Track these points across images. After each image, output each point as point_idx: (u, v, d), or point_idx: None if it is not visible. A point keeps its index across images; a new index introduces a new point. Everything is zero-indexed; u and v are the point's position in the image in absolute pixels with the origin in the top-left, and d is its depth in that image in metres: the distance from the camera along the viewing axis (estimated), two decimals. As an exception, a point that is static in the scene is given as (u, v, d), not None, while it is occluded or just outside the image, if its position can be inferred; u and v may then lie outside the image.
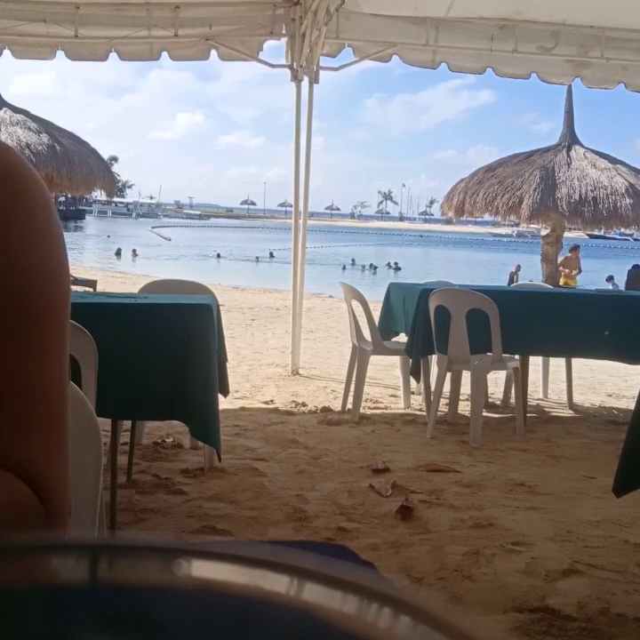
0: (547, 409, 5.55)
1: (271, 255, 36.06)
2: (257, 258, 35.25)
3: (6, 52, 6.23)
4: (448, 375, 4.77)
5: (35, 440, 0.67)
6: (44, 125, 9.05)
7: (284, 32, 6.21)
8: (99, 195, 10.96)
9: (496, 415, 5.24)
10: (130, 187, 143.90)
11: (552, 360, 5.82)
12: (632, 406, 2.42)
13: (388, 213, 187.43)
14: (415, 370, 4.73)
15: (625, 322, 4.87)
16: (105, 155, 11.75)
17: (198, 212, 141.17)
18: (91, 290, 8.22)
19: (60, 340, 0.70)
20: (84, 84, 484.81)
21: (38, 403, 0.67)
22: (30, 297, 0.67)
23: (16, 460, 0.65)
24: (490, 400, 5.56)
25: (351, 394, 5.04)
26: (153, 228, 69.41)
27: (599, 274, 21.93)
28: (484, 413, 4.81)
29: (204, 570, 0.25)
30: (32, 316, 0.67)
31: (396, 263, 32.45)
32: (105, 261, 28.44)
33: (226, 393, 3.76)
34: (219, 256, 36.46)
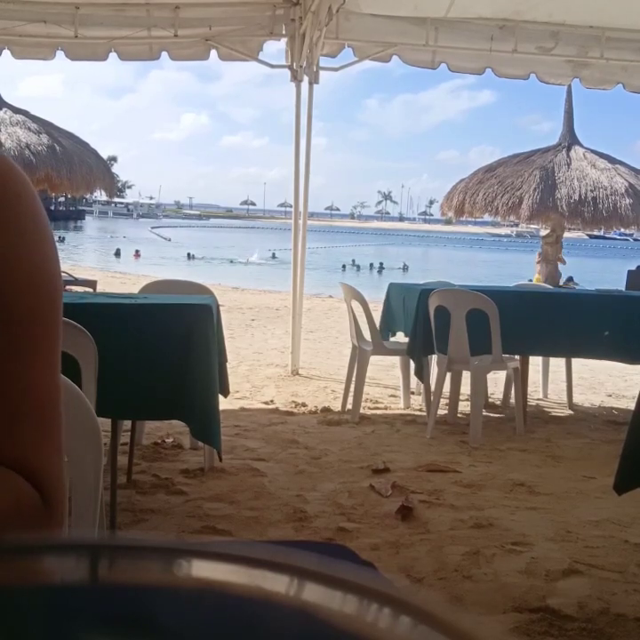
0: (547, 409, 5.55)
1: (274, 256, 35.20)
2: (233, 260, 31.76)
3: (6, 53, 6.23)
4: (448, 375, 4.77)
5: (29, 438, 0.68)
6: (44, 126, 9.04)
7: (284, 32, 6.21)
8: (99, 195, 10.99)
9: (496, 415, 5.24)
10: (129, 187, 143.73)
11: (552, 360, 5.82)
12: (632, 406, 2.42)
13: (388, 214, 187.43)
14: (419, 370, 4.73)
15: (625, 322, 4.87)
16: (104, 155, 11.76)
17: (198, 213, 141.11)
18: (91, 290, 8.20)
19: (48, 340, 0.69)
20: (86, 84, 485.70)
21: (29, 402, 0.68)
22: (14, 302, 0.67)
23: (11, 457, 0.66)
24: (490, 400, 5.55)
25: (351, 394, 5.04)
26: (152, 228, 69.31)
27: (599, 274, 21.91)
28: (484, 413, 4.81)
29: (204, 570, 0.25)
30: (17, 321, 0.67)
31: (380, 263, 32.29)
32: (104, 262, 28.37)
33: (226, 393, 3.76)
34: (189, 256, 32.60)
